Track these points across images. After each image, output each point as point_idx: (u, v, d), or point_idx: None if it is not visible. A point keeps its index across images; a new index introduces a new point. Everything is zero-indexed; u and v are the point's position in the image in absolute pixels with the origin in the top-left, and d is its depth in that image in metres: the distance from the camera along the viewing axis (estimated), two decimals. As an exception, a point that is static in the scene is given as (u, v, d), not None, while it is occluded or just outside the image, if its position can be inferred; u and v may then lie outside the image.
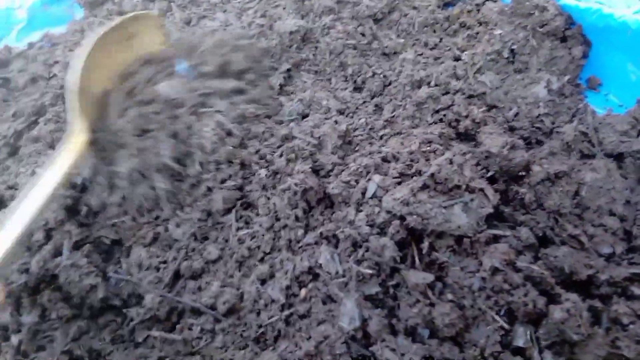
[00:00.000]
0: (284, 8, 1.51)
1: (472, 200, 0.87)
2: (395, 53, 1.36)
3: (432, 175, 0.89)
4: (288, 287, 0.91)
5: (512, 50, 1.26)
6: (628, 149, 1.01)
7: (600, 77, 1.24)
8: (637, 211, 0.94)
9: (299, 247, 0.96)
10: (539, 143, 1.11)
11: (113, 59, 1.14)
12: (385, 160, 1.02)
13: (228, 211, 1.05)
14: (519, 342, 0.79)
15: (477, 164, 1.00)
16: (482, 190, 0.91)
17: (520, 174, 1.02)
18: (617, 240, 0.91)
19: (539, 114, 1.17)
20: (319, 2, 1.47)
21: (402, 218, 0.88)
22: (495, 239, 0.89)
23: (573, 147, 1.04)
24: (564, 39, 1.26)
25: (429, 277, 0.84)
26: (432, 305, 0.83)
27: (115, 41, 1.14)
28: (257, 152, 1.12)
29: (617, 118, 1.07)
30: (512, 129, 1.16)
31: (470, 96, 1.22)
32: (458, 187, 0.89)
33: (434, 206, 0.86)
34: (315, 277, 0.92)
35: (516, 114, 1.18)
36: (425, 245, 0.87)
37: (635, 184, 0.97)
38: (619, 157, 1.02)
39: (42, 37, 1.69)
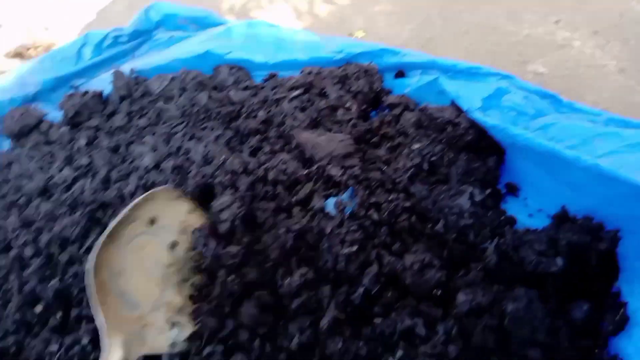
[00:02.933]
0: (211, 129, 1.53)
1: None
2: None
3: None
4: None
5: (431, 163, 1.30)
6: (547, 269, 1.03)
7: (518, 182, 1.29)
8: (560, 338, 0.96)
9: None
10: (464, 265, 1.13)
11: (146, 258, 1.03)
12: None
13: None
14: None
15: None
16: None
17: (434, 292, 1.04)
18: (544, 373, 0.93)
19: (464, 224, 1.20)
20: (244, 123, 1.49)
21: None
22: None
23: (496, 273, 1.06)
24: (478, 150, 1.31)
25: None
26: None
27: (136, 233, 1.03)
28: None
29: (535, 235, 1.10)
30: (442, 245, 1.18)
31: (400, 213, 1.23)
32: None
33: None
34: None
35: (444, 225, 1.20)
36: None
37: (557, 308, 1.00)
38: (540, 278, 1.05)
39: (-34, 175, 1.65)
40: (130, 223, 1.02)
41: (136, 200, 1.08)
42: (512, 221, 1.21)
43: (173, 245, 1.13)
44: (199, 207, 1.22)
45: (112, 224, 1.00)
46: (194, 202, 1.23)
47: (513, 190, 1.29)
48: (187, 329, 1.05)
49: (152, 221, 1.08)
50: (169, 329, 1.04)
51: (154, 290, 1.05)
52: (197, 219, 1.19)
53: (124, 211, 1.04)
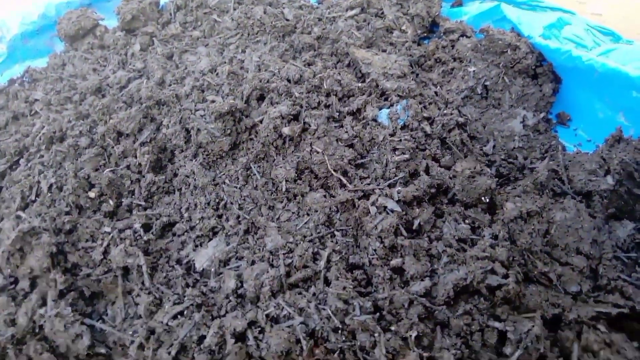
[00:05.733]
0: (265, 43, 1.55)
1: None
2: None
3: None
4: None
5: (485, 87, 1.31)
6: (596, 187, 1.05)
7: (570, 113, 1.29)
8: (603, 250, 0.98)
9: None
10: (513, 180, 1.15)
11: None
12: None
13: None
14: None
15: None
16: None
17: (482, 199, 1.07)
18: (584, 278, 0.95)
19: (514, 147, 1.22)
20: (299, 38, 1.50)
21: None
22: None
23: (545, 185, 1.08)
24: (534, 76, 1.31)
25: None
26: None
27: None
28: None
29: (585, 157, 1.11)
30: (489, 164, 1.20)
31: (452, 129, 1.25)
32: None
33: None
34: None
35: (493, 147, 1.22)
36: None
37: (602, 223, 1.02)
38: (587, 196, 1.07)
39: (23, 73, 1.70)
40: None
41: None
42: (562, 147, 1.22)
43: None
44: None
45: None
46: None
47: (564, 120, 1.29)
48: None
49: None
50: None
51: None
52: None
53: None
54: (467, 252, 1.00)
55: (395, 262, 1.00)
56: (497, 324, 0.89)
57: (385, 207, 1.07)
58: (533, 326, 0.86)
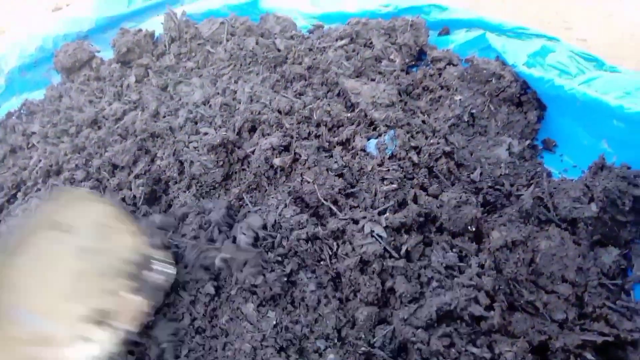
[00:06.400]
0: (257, 74, 1.58)
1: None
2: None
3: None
4: None
5: (471, 115, 1.34)
6: (580, 215, 1.07)
7: (555, 139, 1.32)
8: (589, 277, 1.00)
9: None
10: (500, 207, 1.18)
11: (48, 267, 0.85)
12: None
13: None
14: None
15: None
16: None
17: (469, 228, 1.09)
18: (570, 306, 0.97)
19: (500, 174, 1.24)
20: (290, 68, 1.54)
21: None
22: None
23: (530, 213, 1.10)
24: (519, 104, 1.34)
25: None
26: None
27: (34, 241, 0.83)
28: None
29: (570, 184, 1.13)
30: (476, 191, 1.22)
31: (439, 157, 1.27)
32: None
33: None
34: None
35: (480, 174, 1.25)
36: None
37: (587, 250, 1.04)
38: (572, 223, 1.08)
39: (21, 106, 1.73)
40: (29, 231, 0.82)
41: (39, 203, 0.89)
42: (548, 173, 1.24)
43: (86, 251, 0.92)
44: (122, 209, 1.03)
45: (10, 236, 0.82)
46: (115, 204, 1.02)
47: (550, 145, 1.32)
48: (112, 336, 0.90)
49: (58, 226, 0.86)
50: (82, 344, 0.87)
51: (59, 303, 0.87)
52: (120, 222, 0.99)
53: (23, 219, 0.86)
54: (455, 279, 1.02)
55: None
56: (474, 350, 0.91)
57: (372, 231, 1.09)
58: (509, 351, 0.88)
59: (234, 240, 1.13)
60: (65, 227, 0.84)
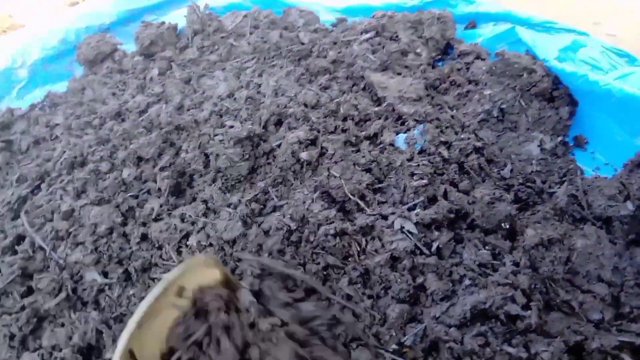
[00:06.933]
0: (281, 67, 1.57)
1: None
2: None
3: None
4: None
5: (501, 110, 1.32)
6: (615, 213, 1.05)
7: (587, 136, 1.29)
8: (625, 277, 0.98)
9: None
10: (532, 205, 1.15)
11: (165, 323, 0.85)
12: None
13: None
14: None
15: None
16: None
17: (502, 225, 1.07)
18: (606, 306, 0.95)
19: (532, 171, 1.22)
20: (315, 62, 1.52)
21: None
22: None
23: (565, 211, 1.08)
24: (551, 99, 1.31)
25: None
26: None
27: (165, 305, 0.84)
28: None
29: (604, 181, 1.11)
30: (507, 188, 1.20)
31: (469, 153, 1.25)
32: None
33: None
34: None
35: (511, 170, 1.22)
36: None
37: (623, 250, 1.01)
38: (607, 222, 1.06)
39: (44, 98, 1.73)
40: (159, 297, 0.84)
41: (173, 273, 0.85)
42: (580, 170, 1.22)
43: None
44: (232, 277, 0.99)
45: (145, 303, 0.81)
46: (226, 271, 0.97)
47: (581, 142, 1.29)
48: None
49: (180, 292, 0.87)
50: None
51: None
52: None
53: (157, 289, 0.82)
54: (489, 277, 1.00)
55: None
56: (510, 349, 0.89)
57: (402, 228, 1.08)
58: (545, 351, 0.86)
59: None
60: (184, 292, 0.85)
